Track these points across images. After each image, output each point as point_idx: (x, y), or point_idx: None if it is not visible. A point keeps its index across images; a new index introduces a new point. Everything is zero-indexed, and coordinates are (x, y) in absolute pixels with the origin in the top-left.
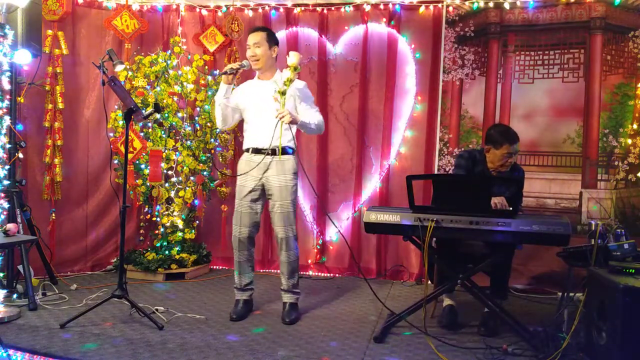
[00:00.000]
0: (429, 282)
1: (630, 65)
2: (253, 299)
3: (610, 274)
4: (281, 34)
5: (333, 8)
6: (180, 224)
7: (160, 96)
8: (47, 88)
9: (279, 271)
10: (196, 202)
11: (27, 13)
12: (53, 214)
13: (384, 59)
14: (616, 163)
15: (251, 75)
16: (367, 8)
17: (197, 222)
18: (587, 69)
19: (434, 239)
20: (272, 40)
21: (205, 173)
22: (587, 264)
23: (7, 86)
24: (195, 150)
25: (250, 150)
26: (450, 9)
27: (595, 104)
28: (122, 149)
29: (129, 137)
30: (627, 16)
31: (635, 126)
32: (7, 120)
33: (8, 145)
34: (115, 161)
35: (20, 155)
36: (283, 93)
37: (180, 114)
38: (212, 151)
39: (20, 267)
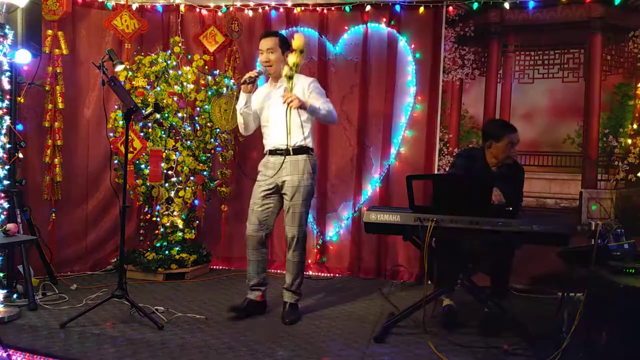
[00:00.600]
0: (429, 282)
1: (630, 65)
2: (265, 302)
3: (610, 274)
4: None
5: (333, 8)
6: (180, 224)
7: (160, 96)
8: (47, 88)
9: (279, 271)
10: (196, 202)
11: (27, 13)
12: (53, 214)
13: (384, 59)
14: (616, 163)
15: (265, 79)
16: (367, 8)
17: (197, 222)
18: (587, 69)
19: (433, 239)
20: (285, 46)
21: (205, 173)
22: (587, 264)
23: (7, 86)
24: (195, 150)
25: (268, 152)
26: (450, 9)
27: (595, 104)
28: (122, 149)
29: (129, 137)
30: (627, 16)
31: (635, 126)
32: (7, 120)
33: (8, 145)
34: (115, 161)
35: (20, 155)
36: (290, 77)
37: (180, 114)
38: (212, 151)
39: (20, 267)
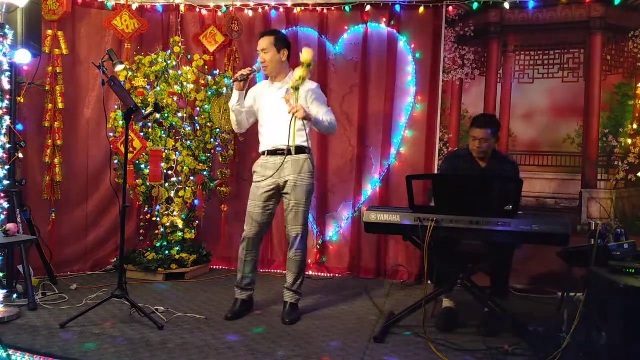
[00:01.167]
0: (429, 282)
1: (630, 65)
2: (253, 299)
3: (610, 274)
4: None
5: (333, 8)
6: (180, 224)
7: (160, 96)
8: (47, 88)
9: (279, 271)
10: (196, 202)
11: (27, 13)
12: (53, 214)
13: (384, 59)
14: (616, 163)
15: (266, 76)
16: (367, 8)
17: (197, 222)
18: (587, 69)
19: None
20: (281, 44)
21: (205, 173)
22: (587, 264)
23: (7, 86)
24: (195, 150)
25: (266, 152)
26: (450, 9)
27: (595, 104)
28: (122, 149)
29: (129, 137)
30: (627, 16)
31: (635, 126)
32: (7, 120)
33: (8, 145)
34: (115, 161)
35: (20, 155)
36: (296, 89)
37: (180, 114)
38: (212, 151)
39: (20, 267)
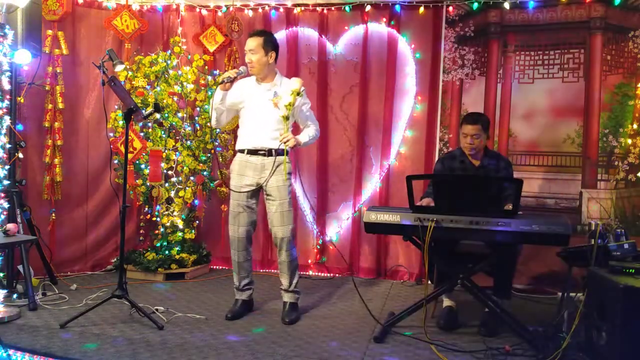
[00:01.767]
0: (429, 282)
1: (630, 65)
2: (253, 299)
3: (610, 274)
4: (281, 34)
5: (333, 8)
6: (180, 224)
7: (160, 96)
8: (47, 88)
9: (277, 271)
10: (196, 202)
11: (27, 13)
12: (53, 214)
13: (384, 59)
14: (616, 163)
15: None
16: (367, 8)
17: (197, 222)
18: (587, 69)
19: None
20: (269, 46)
21: (205, 173)
22: (587, 264)
23: (7, 86)
24: (195, 150)
25: (246, 151)
26: (450, 9)
27: (595, 104)
28: (122, 149)
29: (129, 137)
30: (627, 16)
31: (635, 126)
32: (7, 120)
33: (8, 145)
34: (115, 161)
35: (20, 155)
36: (287, 118)
37: (180, 114)
38: (212, 151)
39: (20, 267)
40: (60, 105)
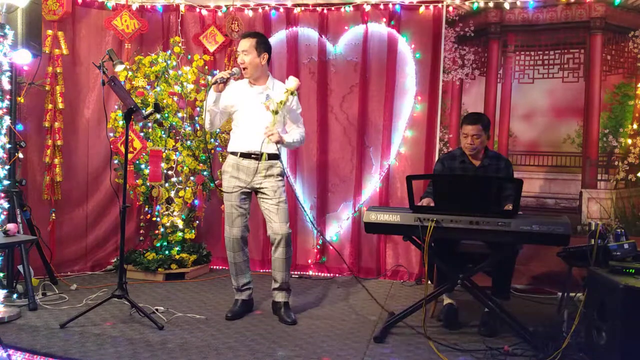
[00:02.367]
0: (429, 282)
1: (630, 65)
2: (253, 299)
3: (610, 274)
4: (281, 34)
5: (333, 8)
6: (180, 224)
7: (160, 96)
8: (47, 88)
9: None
10: (196, 202)
11: (27, 13)
12: (53, 214)
13: (384, 59)
14: (616, 163)
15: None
16: (367, 8)
17: (197, 222)
18: (587, 69)
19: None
20: (262, 47)
21: (205, 173)
22: (587, 264)
23: (7, 86)
24: (195, 150)
25: (239, 154)
26: (450, 9)
27: (595, 104)
28: (122, 149)
29: (129, 137)
30: (627, 16)
31: (635, 126)
32: (7, 120)
33: (8, 145)
34: (115, 161)
35: (20, 155)
36: (276, 112)
37: (180, 114)
38: (212, 151)
39: (20, 267)
40: (60, 105)
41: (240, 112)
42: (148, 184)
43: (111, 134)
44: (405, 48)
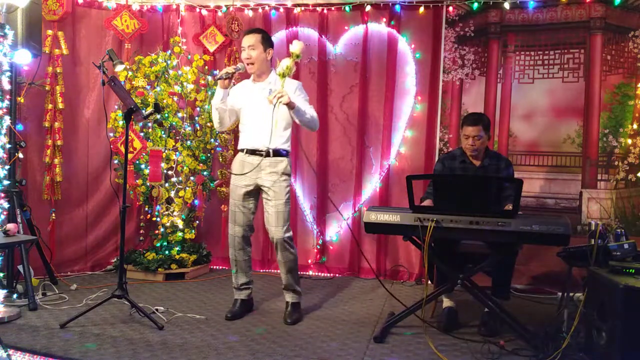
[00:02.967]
0: (429, 282)
1: (630, 65)
2: (252, 299)
3: (610, 274)
4: (281, 34)
5: (333, 8)
6: (180, 224)
7: (160, 96)
8: (47, 88)
9: (278, 271)
10: (196, 202)
11: (27, 13)
12: (53, 214)
13: (384, 59)
14: (616, 163)
15: (248, 75)
16: (367, 8)
17: (197, 222)
18: (587, 69)
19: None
20: (267, 43)
21: (205, 173)
22: (587, 264)
23: (7, 86)
24: (195, 150)
25: (245, 150)
26: (450, 9)
27: (595, 104)
28: (122, 149)
29: (129, 137)
30: (627, 16)
31: (635, 126)
32: (7, 120)
33: (8, 145)
34: (115, 161)
35: (20, 155)
36: (283, 75)
37: (180, 114)
38: (212, 151)
39: (20, 267)
40: (60, 105)
41: (245, 110)
42: (148, 184)
43: (111, 134)
44: (405, 48)
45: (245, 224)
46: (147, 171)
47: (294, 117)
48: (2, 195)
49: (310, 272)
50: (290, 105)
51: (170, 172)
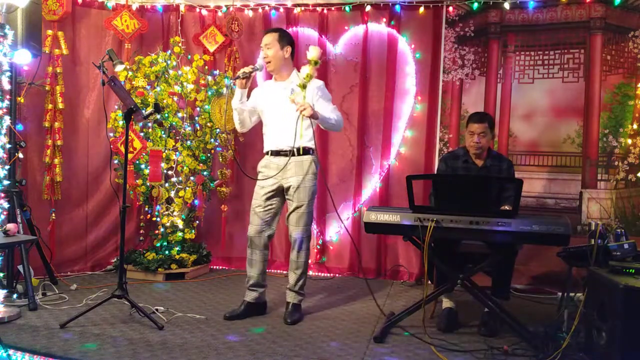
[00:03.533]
0: (429, 282)
1: (630, 65)
2: (259, 303)
3: (610, 274)
4: None
5: (333, 8)
6: (180, 224)
7: (160, 96)
8: (47, 88)
9: (279, 271)
10: (196, 202)
11: (27, 13)
12: (53, 214)
13: (384, 59)
14: (616, 163)
15: (270, 76)
16: (367, 8)
17: (197, 222)
18: (587, 69)
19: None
20: (284, 41)
21: (205, 173)
22: (587, 264)
23: (7, 86)
24: (195, 150)
25: (270, 152)
26: (450, 9)
27: (595, 104)
28: (122, 149)
29: (129, 137)
30: (627, 16)
31: (635, 126)
32: (7, 120)
33: (8, 145)
34: (115, 161)
35: (20, 155)
36: (304, 86)
37: (180, 114)
38: (212, 151)
39: (20, 267)
40: (60, 105)
41: (267, 111)
42: (148, 184)
43: (111, 134)
44: (405, 48)
45: (264, 224)
46: (147, 171)
47: (319, 124)
48: (2, 195)
49: (310, 272)
50: (314, 117)
51: (170, 172)
